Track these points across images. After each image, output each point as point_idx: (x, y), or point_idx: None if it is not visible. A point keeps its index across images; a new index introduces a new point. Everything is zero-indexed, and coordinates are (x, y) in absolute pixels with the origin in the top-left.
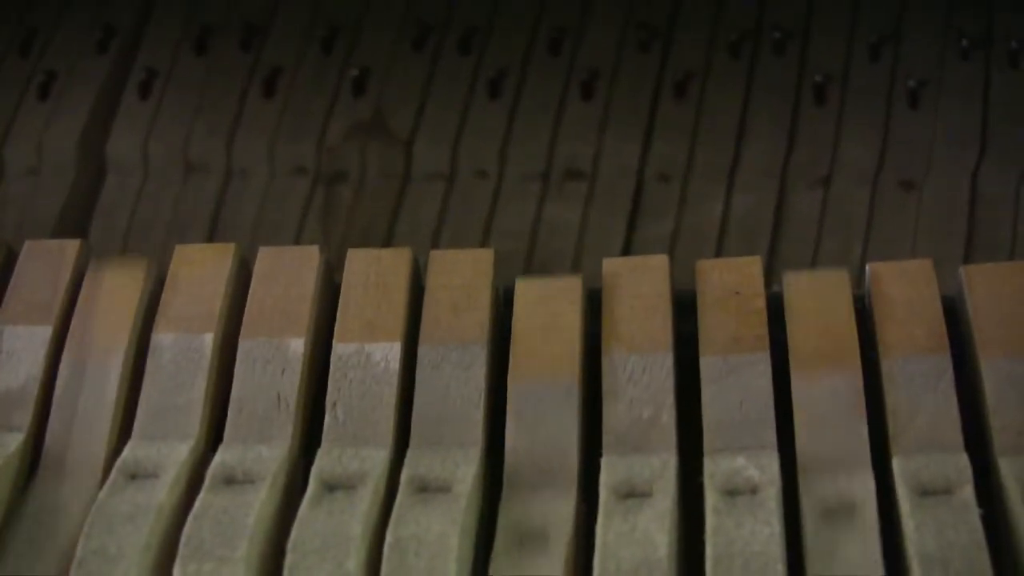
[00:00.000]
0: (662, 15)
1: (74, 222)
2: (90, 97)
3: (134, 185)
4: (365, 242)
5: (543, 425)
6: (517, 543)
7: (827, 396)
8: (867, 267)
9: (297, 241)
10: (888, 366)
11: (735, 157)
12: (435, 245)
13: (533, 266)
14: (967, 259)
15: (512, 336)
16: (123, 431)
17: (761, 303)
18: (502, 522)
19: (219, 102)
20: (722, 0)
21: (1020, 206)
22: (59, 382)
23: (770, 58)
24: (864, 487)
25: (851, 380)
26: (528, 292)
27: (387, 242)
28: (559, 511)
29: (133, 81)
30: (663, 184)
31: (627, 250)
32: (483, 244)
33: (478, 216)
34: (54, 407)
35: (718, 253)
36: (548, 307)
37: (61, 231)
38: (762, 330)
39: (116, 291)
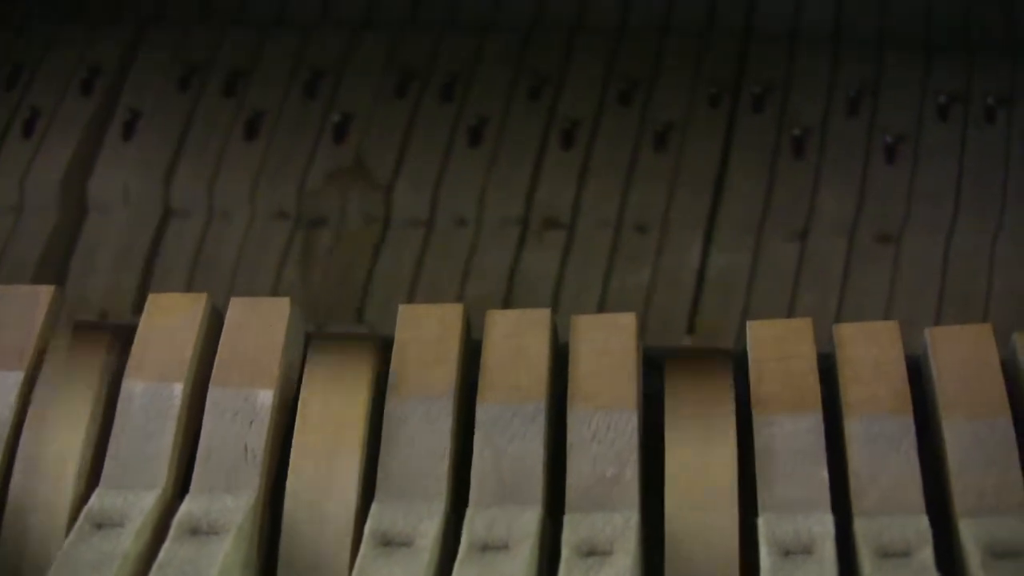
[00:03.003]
0: (643, 66)
1: (55, 261)
2: (74, 136)
3: (116, 225)
4: (344, 288)
5: (510, 445)
6: (480, 550)
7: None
8: (833, 328)
9: (276, 285)
10: (851, 426)
11: (713, 208)
12: (412, 291)
13: None
14: (941, 314)
15: (481, 364)
16: (89, 482)
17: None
18: (466, 534)
19: (202, 144)
20: (702, 53)
21: (995, 261)
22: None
23: (749, 111)
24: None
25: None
26: (499, 323)
27: (365, 288)
28: (524, 523)
29: (117, 121)
30: (641, 234)
31: (604, 300)
32: (461, 291)
33: (456, 263)
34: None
35: (694, 304)
36: (517, 339)
37: (42, 270)
38: None
39: (86, 344)
